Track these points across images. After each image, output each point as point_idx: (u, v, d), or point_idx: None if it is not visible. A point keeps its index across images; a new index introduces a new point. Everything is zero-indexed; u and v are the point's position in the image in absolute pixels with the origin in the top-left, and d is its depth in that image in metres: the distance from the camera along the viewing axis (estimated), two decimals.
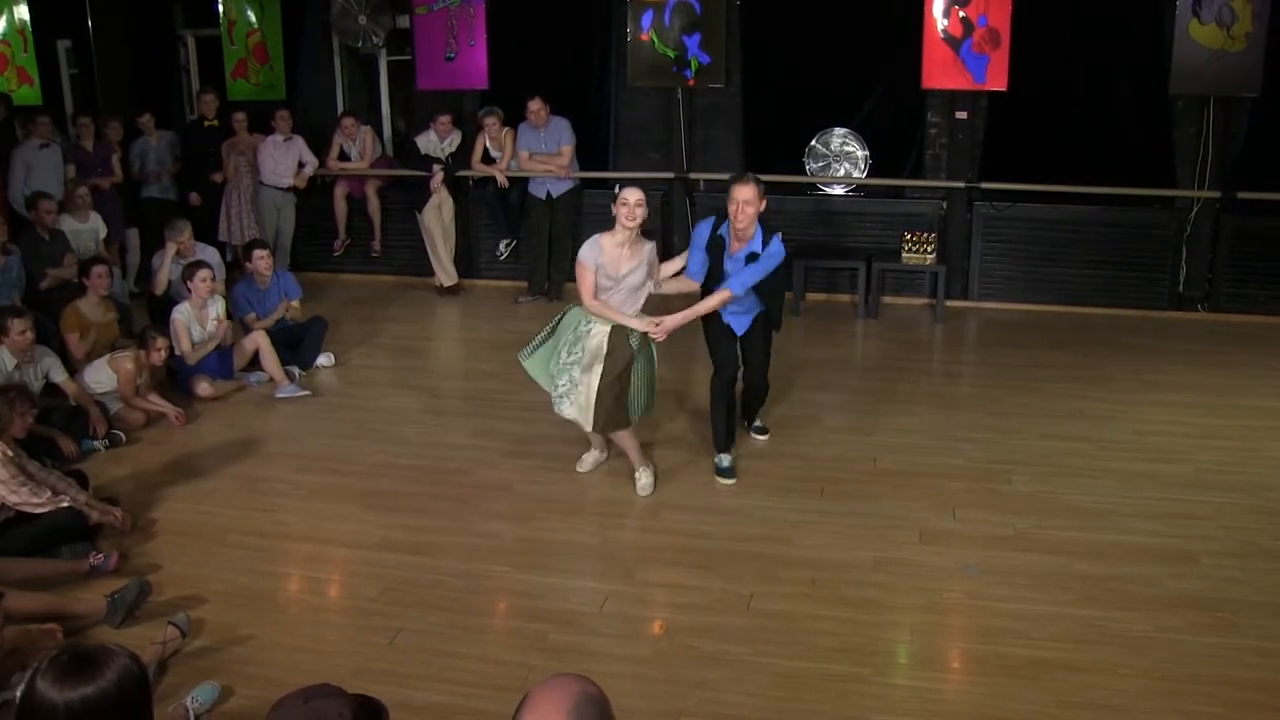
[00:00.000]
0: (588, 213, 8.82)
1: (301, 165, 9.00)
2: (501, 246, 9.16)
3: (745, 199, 4.67)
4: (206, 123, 9.03)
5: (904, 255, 8.25)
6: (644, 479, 4.97)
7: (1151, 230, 8.24)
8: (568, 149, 8.53)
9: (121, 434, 5.75)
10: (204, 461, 5.50)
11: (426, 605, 3.99)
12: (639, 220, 4.60)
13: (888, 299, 8.51)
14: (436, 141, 8.76)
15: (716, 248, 4.88)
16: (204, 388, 6.36)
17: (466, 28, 9.00)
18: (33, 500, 4.33)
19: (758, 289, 4.88)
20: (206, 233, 8.18)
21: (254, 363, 6.66)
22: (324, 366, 7.00)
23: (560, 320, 4.88)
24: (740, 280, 4.79)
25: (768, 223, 4.87)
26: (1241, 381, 6.58)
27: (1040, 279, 8.40)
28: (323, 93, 9.96)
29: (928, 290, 8.53)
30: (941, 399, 6.40)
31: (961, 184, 8.41)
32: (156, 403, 6.05)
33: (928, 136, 8.61)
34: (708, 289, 4.93)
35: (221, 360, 6.52)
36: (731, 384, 5.11)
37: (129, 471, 5.35)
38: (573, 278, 5.01)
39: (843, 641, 3.72)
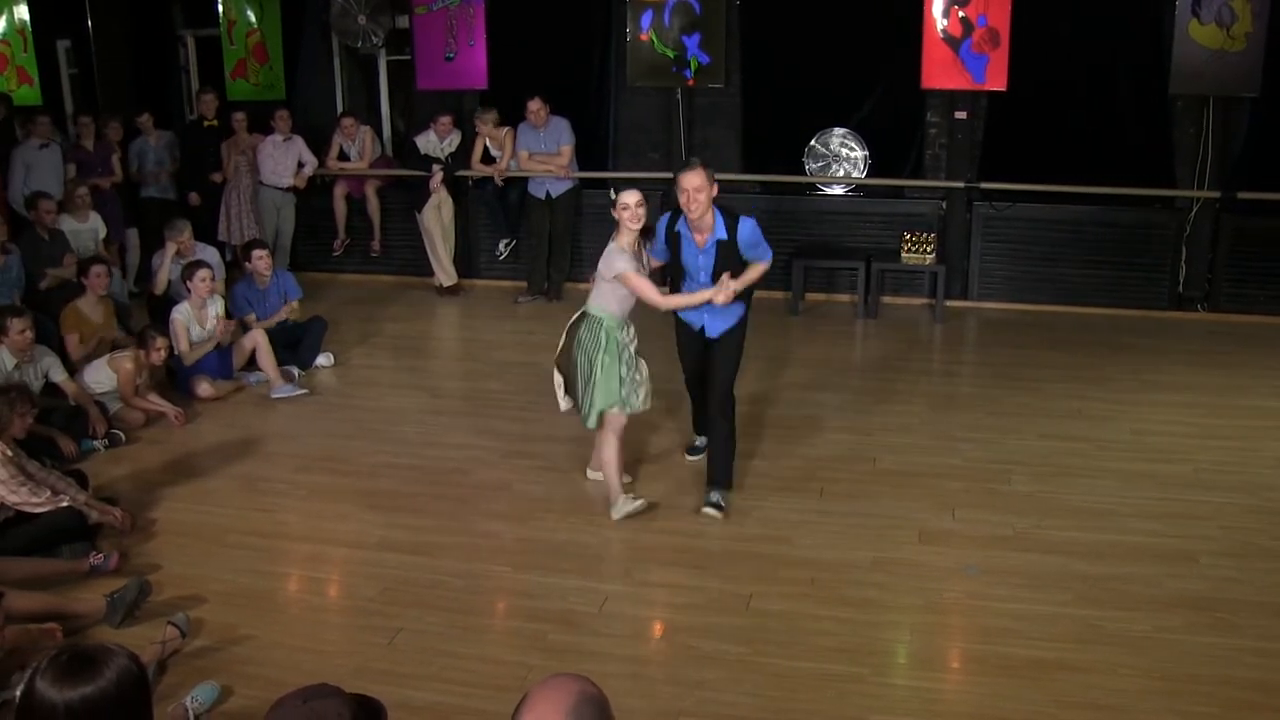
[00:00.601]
0: (587, 213, 8.82)
1: (301, 165, 9.00)
2: (501, 246, 9.15)
3: (694, 186, 4.41)
4: (206, 123, 9.03)
5: (903, 255, 8.25)
6: (618, 506, 4.70)
7: (1151, 230, 8.24)
8: (567, 149, 8.53)
9: (121, 434, 5.75)
10: (204, 461, 5.50)
11: (426, 605, 3.99)
12: (643, 220, 4.52)
13: (887, 299, 8.51)
14: (436, 142, 8.76)
15: (676, 243, 4.69)
16: (204, 388, 6.36)
17: (466, 28, 9.00)
18: (32, 500, 4.34)
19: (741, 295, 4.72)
20: (206, 233, 8.18)
21: (252, 362, 6.65)
22: (323, 366, 7.00)
23: (592, 358, 4.59)
24: (761, 256, 4.64)
25: (724, 206, 4.65)
26: (1241, 381, 6.58)
27: (1040, 279, 8.40)
28: (322, 93, 9.96)
29: (927, 290, 8.53)
30: (941, 399, 6.40)
31: (961, 184, 8.41)
32: (156, 402, 6.06)
33: (927, 136, 8.61)
34: (676, 283, 4.82)
35: (221, 360, 6.52)
36: (698, 404, 5.09)
37: (129, 471, 5.35)
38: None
39: (842, 641, 3.72)
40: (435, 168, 8.70)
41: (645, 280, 4.53)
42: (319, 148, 9.10)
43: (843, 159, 8.75)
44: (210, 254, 7.28)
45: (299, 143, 8.98)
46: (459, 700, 3.40)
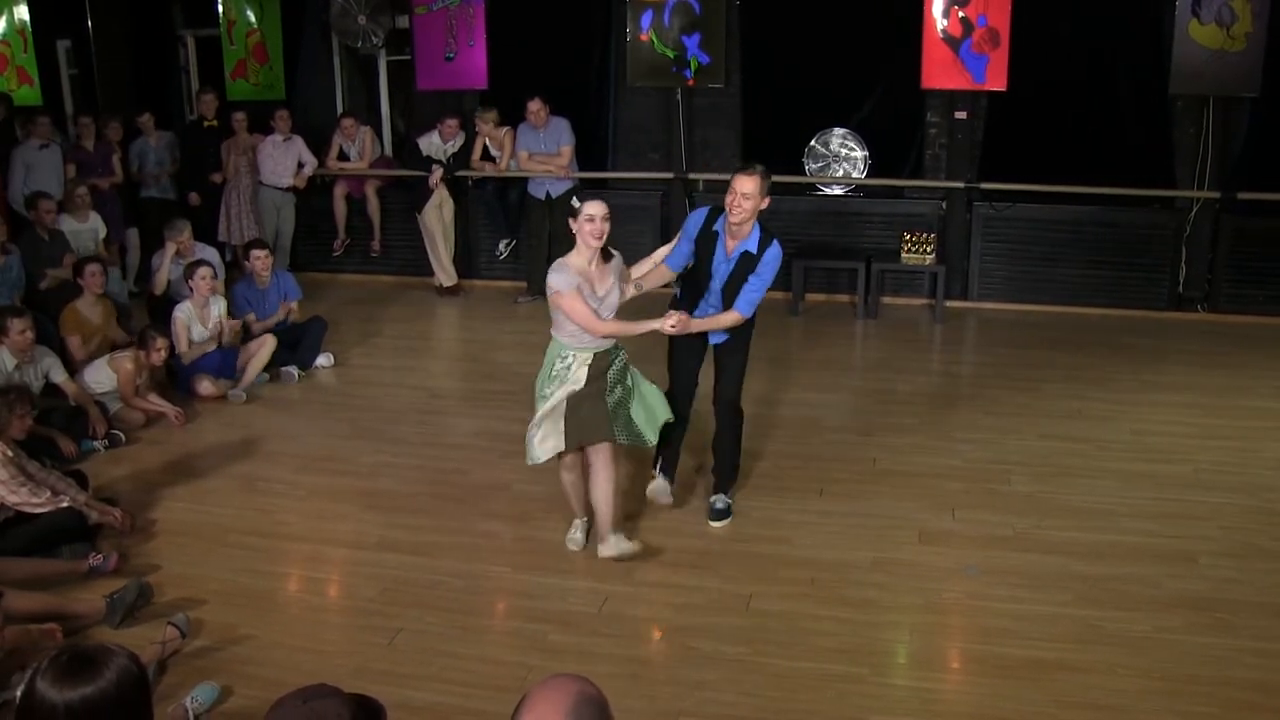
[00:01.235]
0: None
1: (301, 165, 9.00)
2: (501, 246, 9.15)
3: (745, 191, 4.22)
4: (206, 123, 9.04)
5: (903, 255, 8.25)
6: (610, 543, 4.28)
7: (1151, 230, 8.23)
8: (567, 149, 8.52)
9: (121, 434, 5.76)
10: (204, 461, 5.50)
11: (426, 605, 3.99)
12: (605, 235, 4.17)
13: (887, 299, 8.51)
14: (439, 144, 8.75)
15: (708, 243, 4.44)
16: (205, 386, 6.36)
17: (466, 28, 9.00)
18: (32, 500, 4.34)
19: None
20: (206, 233, 8.18)
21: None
22: (323, 366, 7.00)
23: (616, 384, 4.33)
24: (748, 300, 4.39)
25: (766, 225, 4.45)
26: (1241, 382, 6.58)
27: (1040, 279, 8.40)
28: (322, 93, 9.96)
29: (927, 290, 8.53)
30: (941, 399, 6.40)
31: (961, 184, 8.42)
32: (156, 403, 6.06)
33: (927, 136, 8.61)
34: (689, 285, 4.59)
35: (223, 359, 6.52)
36: (682, 419, 4.67)
37: (128, 471, 5.35)
38: None
39: (842, 641, 3.73)
40: (435, 167, 8.70)
41: (580, 302, 4.17)
42: (319, 148, 9.10)
43: (843, 159, 8.75)
44: (210, 254, 7.27)
45: (299, 143, 8.98)
46: (459, 700, 3.41)
